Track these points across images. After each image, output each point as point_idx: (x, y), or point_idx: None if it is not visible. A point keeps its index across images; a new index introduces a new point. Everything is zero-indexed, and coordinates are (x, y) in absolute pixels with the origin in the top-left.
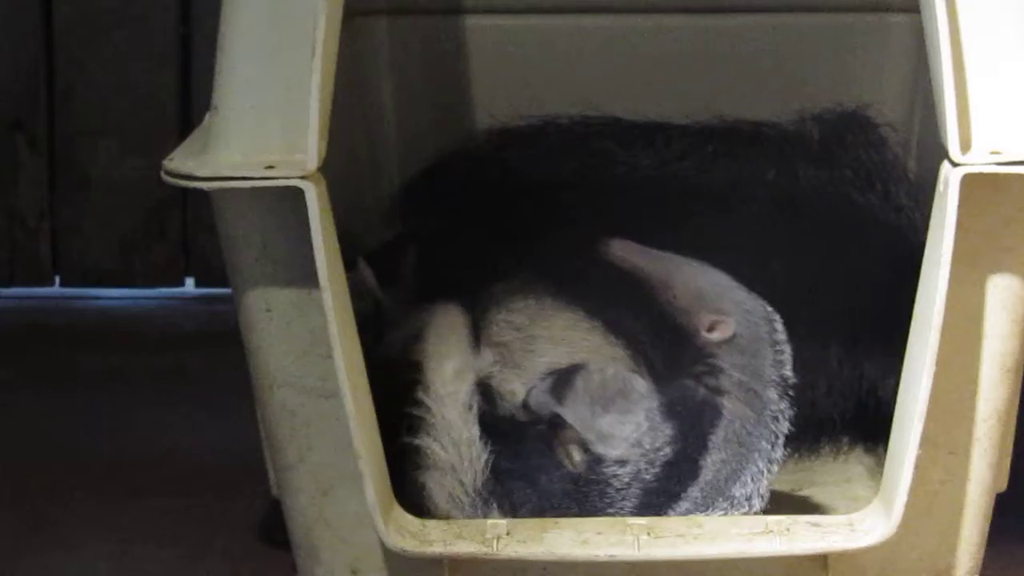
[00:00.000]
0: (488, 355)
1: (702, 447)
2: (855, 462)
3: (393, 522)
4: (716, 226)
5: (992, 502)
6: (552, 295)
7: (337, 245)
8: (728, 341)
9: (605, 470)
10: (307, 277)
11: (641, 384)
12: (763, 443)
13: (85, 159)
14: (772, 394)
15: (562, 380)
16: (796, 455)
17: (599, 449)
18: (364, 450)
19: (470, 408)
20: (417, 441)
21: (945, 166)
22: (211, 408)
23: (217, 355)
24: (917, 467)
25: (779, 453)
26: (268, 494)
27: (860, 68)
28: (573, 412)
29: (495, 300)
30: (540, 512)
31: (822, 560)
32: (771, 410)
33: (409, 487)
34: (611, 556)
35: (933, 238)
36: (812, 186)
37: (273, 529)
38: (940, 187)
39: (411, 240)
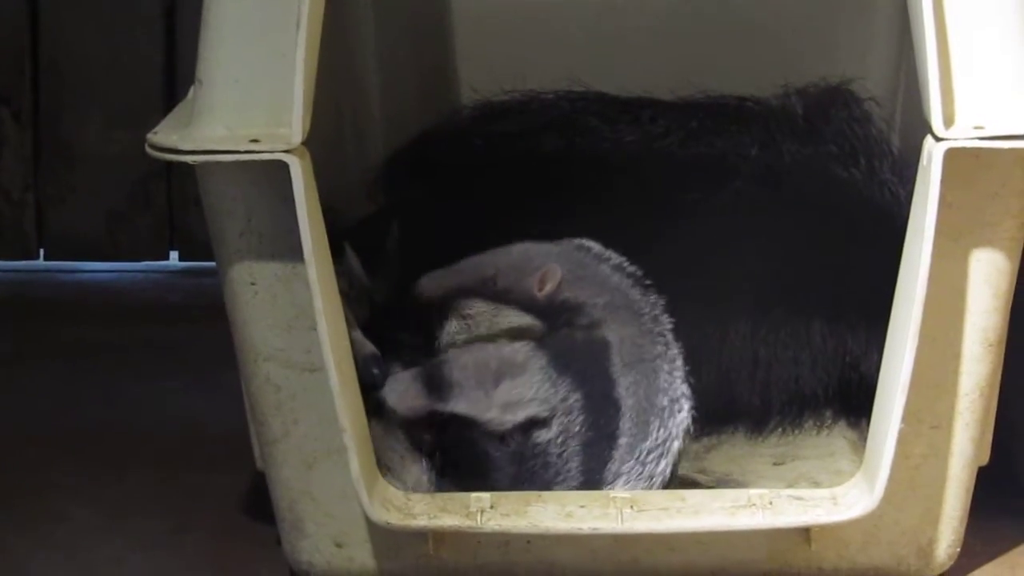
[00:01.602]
0: (454, 326)
1: (608, 381)
2: (838, 436)
3: (378, 495)
4: (699, 203)
5: (974, 476)
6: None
7: (321, 219)
8: (563, 284)
9: (538, 441)
10: (292, 251)
11: (523, 348)
12: (657, 347)
13: (70, 133)
14: (635, 294)
15: (433, 378)
16: (780, 429)
17: (507, 417)
18: (349, 424)
19: None
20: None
21: (929, 141)
22: (196, 382)
23: (202, 328)
24: (900, 441)
25: (674, 350)
26: (253, 467)
27: (845, 42)
28: (462, 402)
29: (447, 312)
30: None
31: (805, 533)
32: (644, 312)
33: None
34: (594, 529)
35: (916, 212)
36: (796, 161)
37: (258, 503)
38: (924, 161)
39: (394, 214)
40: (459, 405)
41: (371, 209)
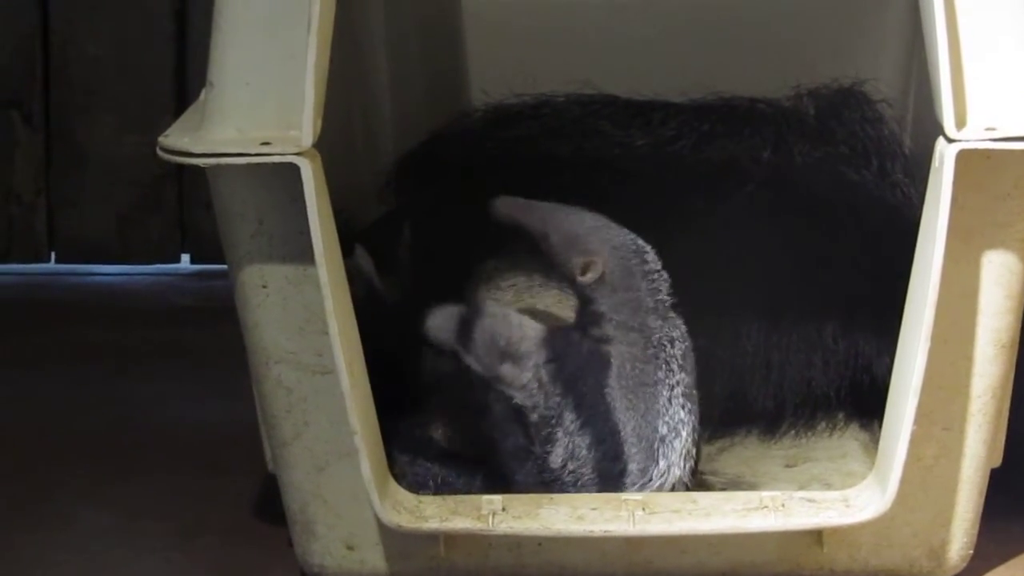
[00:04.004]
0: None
1: (607, 407)
2: (850, 438)
3: (389, 498)
4: (711, 206)
5: (987, 478)
6: (542, 271)
7: (332, 221)
8: (601, 280)
9: (553, 467)
10: (303, 253)
11: (532, 331)
12: (659, 373)
13: (81, 136)
14: (653, 321)
15: (466, 324)
16: (792, 431)
17: (508, 388)
18: (360, 426)
19: None
20: None
21: (941, 142)
22: (207, 384)
23: (213, 331)
24: (912, 443)
25: (678, 376)
26: (264, 470)
27: (857, 44)
28: (474, 361)
29: (485, 276)
30: None
31: (817, 536)
32: (656, 338)
33: None
34: (606, 532)
35: (928, 214)
36: (808, 163)
37: (269, 505)
38: (936, 163)
39: (405, 217)
40: (472, 360)
41: (382, 211)
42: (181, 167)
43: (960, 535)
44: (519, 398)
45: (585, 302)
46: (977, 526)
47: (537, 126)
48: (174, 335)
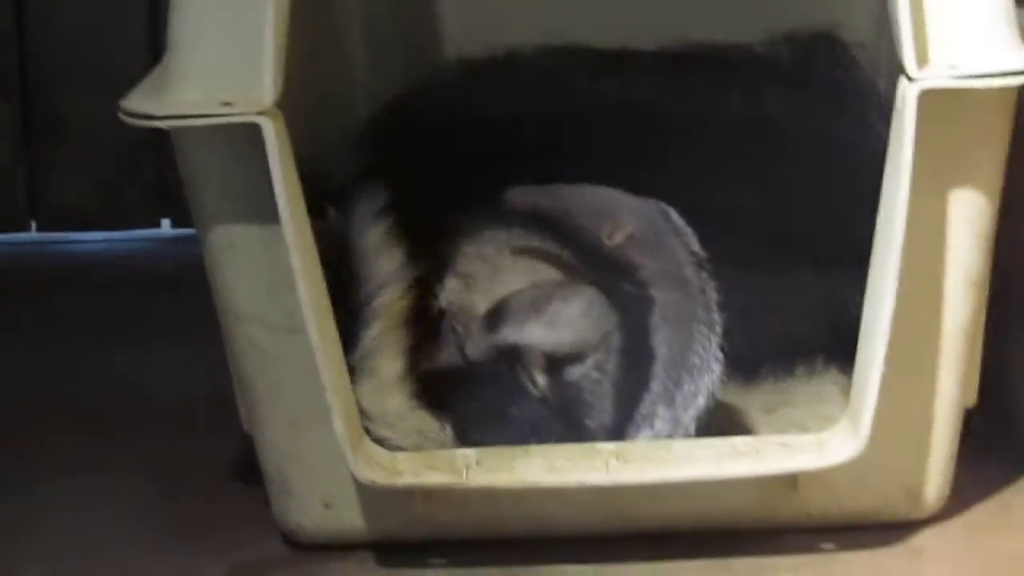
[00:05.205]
0: (454, 285)
1: (645, 331)
2: (829, 382)
3: (363, 454)
4: (683, 155)
5: (961, 418)
6: (521, 226)
7: (297, 180)
8: (631, 240)
9: (570, 378)
10: (270, 213)
11: (577, 284)
12: (699, 311)
13: (58, 104)
14: (689, 272)
15: (494, 315)
16: (771, 377)
17: (552, 336)
18: (331, 383)
19: None
20: None
21: (902, 82)
22: (190, 347)
23: (194, 295)
24: (883, 385)
25: (715, 315)
26: (242, 430)
27: None
28: (511, 327)
29: (462, 232)
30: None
31: (792, 480)
32: (694, 285)
33: None
34: (580, 482)
35: (893, 155)
36: (781, 109)
37: (250, 466)
38: (898, 103)
39: (378, 176)
40: (510, 330)
41: (354, 171)
42: (159, 133)
43: (936, 475)
44: (567, 335)
45: (619, 262)
46: (953, 466)
47: (506, 79)
48: (156, 299)
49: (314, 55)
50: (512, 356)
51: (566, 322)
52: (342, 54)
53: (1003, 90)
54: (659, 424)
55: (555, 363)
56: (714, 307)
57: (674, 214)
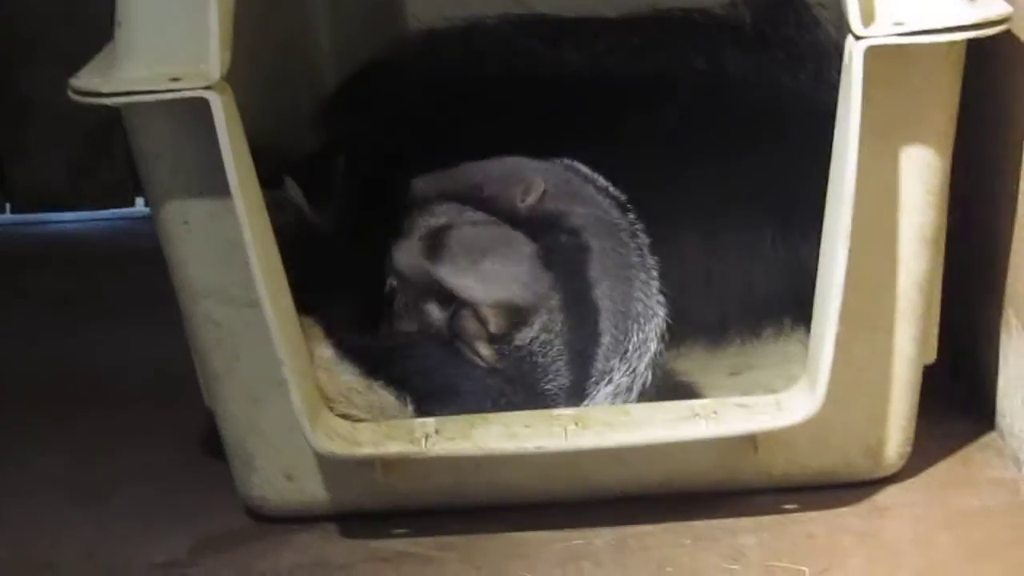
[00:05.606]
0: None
1: (586, 286)
2: (796, 343)
3: (322, 426)
4: (645, 119)
5: (920, 375)
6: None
7: (247, 152)
8: (545, 196)
9: (520, 344)
10: (221, 187)
11: (519, 235)
12: (633, 258)
13: (27, 85)
14: (615, 214)
15: (434, 241)
16: (738, 339)
17: (482, 292)
18: (287, 356)
19: None
20: None
21: (849, 40)
22: (163, 323)
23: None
24: (840, 343)
25: (650, 261)
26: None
27: None
28: (449, 267)
29: (418, 200)
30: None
31: (752, 441)
32: (624, 229)
33: None
34: (539, 448)
35: (842, 113)
36: (742, 71)
37: (213, 440)
38: (845, 61)
39: (340, 148)
40: (446, 270)
41: (317, 143)
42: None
43: (896, 433)
44: (502, 294)
45: (546, 217)
46: (914, 423)
47: (468, 49)
48: (129, 277)
49: (272, 27)
50: (452, 330)
51: (506, 277)
52: (307, 27)
53: (951, 45)
54: (617, 376)
55: (500, 333)
56: (647, 251)
57: (581, 166)
